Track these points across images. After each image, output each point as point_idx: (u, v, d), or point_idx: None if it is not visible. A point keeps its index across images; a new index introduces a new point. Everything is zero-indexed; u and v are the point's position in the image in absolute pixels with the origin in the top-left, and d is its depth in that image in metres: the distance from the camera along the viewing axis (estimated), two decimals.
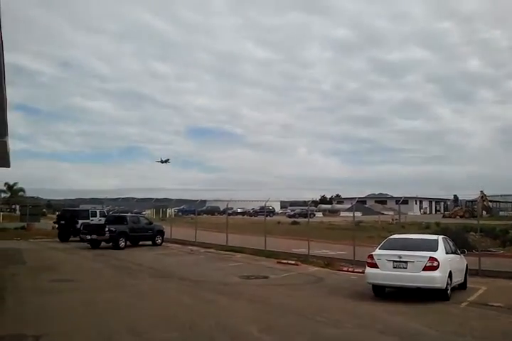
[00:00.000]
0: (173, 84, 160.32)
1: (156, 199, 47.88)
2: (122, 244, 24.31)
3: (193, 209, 50.56)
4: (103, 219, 28.14)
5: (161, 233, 27.39)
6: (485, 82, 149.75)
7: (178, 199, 53.79)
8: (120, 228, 24.60)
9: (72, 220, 29.18)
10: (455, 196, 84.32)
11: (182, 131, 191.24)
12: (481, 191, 63.00)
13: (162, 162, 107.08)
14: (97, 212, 32.47)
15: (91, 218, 30.25)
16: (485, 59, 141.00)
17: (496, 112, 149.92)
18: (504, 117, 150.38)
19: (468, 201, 77.62)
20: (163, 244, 27.07)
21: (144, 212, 52.45)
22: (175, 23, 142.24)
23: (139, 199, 53.88)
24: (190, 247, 25.84)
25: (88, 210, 32.70)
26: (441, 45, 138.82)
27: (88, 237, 24.53)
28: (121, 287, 13.17)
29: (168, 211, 54.82)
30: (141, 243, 26.29)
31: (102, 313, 9.71)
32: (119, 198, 60.26)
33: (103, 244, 24.54)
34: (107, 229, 24.07)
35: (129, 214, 31.52)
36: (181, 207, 68.07)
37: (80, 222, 28.22)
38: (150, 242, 26.56)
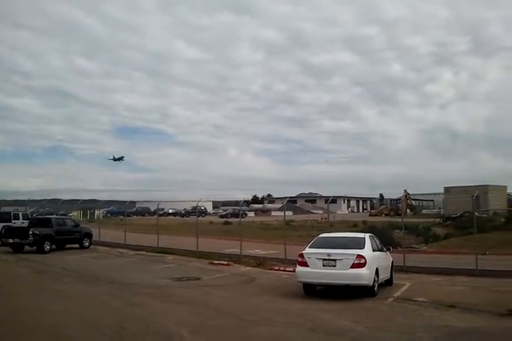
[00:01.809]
0: (101, 82, 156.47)
1: (83, 200, 46.39)
2: (47, 247, 23.27)
3: (122, 211, 49.38)
4: (26, 222, 26.83)
5: (89, 235, 26.51)
6: (407, 86, 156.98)
7: (106, 200, 52.26)
8: (45, 231, 23.53)
9: None
10: (381, 195, 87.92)
11: (110, 130, 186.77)
12: (405, 190, 65.77)
13: (115, 160, 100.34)
14: (20, 214, 30.95)
15: (13, 221, 28.76)
16: (407, 64, 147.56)
17: (417, 115, 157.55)
18: (425, 120, 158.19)
19: (393, 200, 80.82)
20: (91, 246, 26.21)
21: (70, 214, 50.63)
22: (103, 20, 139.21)
23: (65, 200, 51.98)
24: (119, 250, 25.19)
25: (10, 212, 31.11)
26: (366, 49, 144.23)
27: (10, 241, 23.29)
28: (45, 292, 12.56)
29: (96, 212, 53.20)
30: (67, 246, 25.30)
31: (23, 319, 9.17)
32: (44, 200, 57.66)
33: (27, 247, 23.40)
34: (30, 232, 22.97)
35: (54, 216, 30.30)
36: (110, 208, 66.20)
37: (1, 224, 26.73)
38: (77, 245, 25.63)
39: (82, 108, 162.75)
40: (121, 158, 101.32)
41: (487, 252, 19.47)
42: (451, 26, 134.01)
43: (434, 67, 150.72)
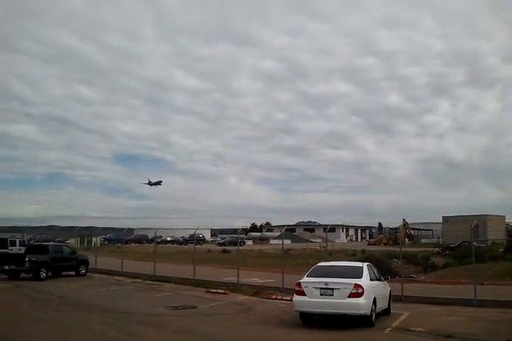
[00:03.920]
0: (100, 109, 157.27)
1: (81, 227, 46.11)
2: (43, 274, 23.09)
3: (120, 238, 49.05)
4: (23, 249, 26.68)
5: (85, 263, 26.33)
6: (404, 116, 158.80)
7: (104, 227, 52.01)
8: (41, 258, 23.40)
9: None
10: (379, 224, 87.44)
11: (109, 158, 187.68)
12: (404, 219, 65.65)
13: (151, 184, 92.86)
14: (17, 240, 30.82)
15: (10, 247, 28.60)
16: (404, 94, 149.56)
17: (415, 144, 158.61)
18: (423, 149, 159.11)
19: (392, 229, 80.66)
20: (88, 274, 26.00)
21: (67, 241, 50.27)
22: (103, 48, 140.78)
23: (62, 227, 51.63)
24: (116, 277, 24.99)
25: (7, 239, 30.95)
26: (364, 79, 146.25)
27: (6, 267, 23.13)
28: (40, 320, 12.44)
29: (94, 240, 52.84)
30: (64, 273, 25.10)
31: None
32: (42, 226, 57.57)
33: (22, 274, 23.22)
34: (27, 259, 22.85)
35: (51, 243, 30.13)
36: (108, 235, 65.77)
37: None
38: (73, 273, 25.43)
39: (81, 135, 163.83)
40: (158, 183, 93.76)
41: (485, 282, 19.36)
42: (447, 57, 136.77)
43: (432, 98, 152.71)
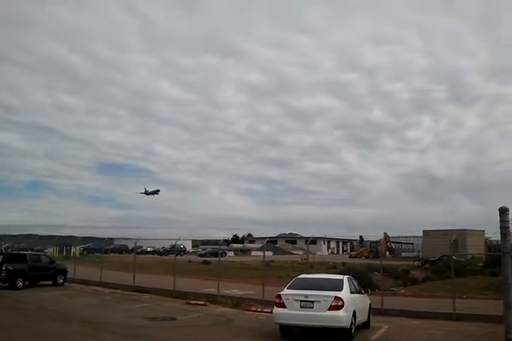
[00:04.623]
0: (84, 118, 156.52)
1: (60, 236, 45.50)
2: (20, 284, 22.66)
3: (99, 248, 48.48)
4: (0, 257, 26.20)
5: (64, 272, 25.90)
6: (387, 131, 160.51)
7: (84, 237, 51.42)
8: (18, 267, 22.96)
9: None
10: (361, 237, 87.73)
11: (91, 167, 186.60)
12: (385, 233, 66.03)
13: (147, 194, 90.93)
14: None
15: None
16: (387, 109, 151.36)
17: (397, 159, 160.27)
18: (405, 164, 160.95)
19: (373, 242, 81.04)
20: (66, 284, 25.55)
21: (46, 250, 49.56)
22: (88, 58, 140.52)
23: (41, 236, 50.95)
24: (94, 287, 24.61)
25: None
26: (348, 94, 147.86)
27: None
28: (16, 330, 12.15)
29: (73, 249, 52.23)
30: (41, 283, 24.65)
31: None
32: (21, 234, 56.56)
33: None
34: (3, 267, 22.43)
35: (29, 252, 29.65)
36: (87, 245, 65.00)
37: None
38: (51, 282, 25.01)
39: (65, 143, 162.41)
40: (155, 192, 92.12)
41: (464, 296, 19.50)
42: (430, 74, 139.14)
43: (414, 113, 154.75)
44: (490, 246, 55.30)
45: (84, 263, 33.86)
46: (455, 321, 15.35)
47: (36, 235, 51.48)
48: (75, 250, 50.97)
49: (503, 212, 8.73)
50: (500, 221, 8.76)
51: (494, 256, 28.47)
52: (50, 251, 52.28)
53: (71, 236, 52.30)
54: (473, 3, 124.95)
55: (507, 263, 8.66)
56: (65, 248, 55.90)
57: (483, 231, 54.31)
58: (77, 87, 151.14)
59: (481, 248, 55.55)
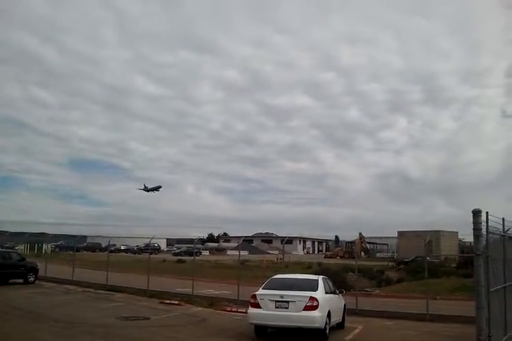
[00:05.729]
0: (57, 113, 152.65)
1: (31, 233, 44.67)
2: None
3: (72, 245, 47.77)
4: None
5: (35, 270, 25.38)
6: (363, 131, 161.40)
7: (55, 234, 50.45)
8: None
9: None
10: (336, 237, 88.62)
11: (63, 163, 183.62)
12: (360, 233, 66.52)
13: (147, 190, 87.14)
14: None
15: None
16: (363, 109, 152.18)
17: (372, 159, 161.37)
18: (380, 164, 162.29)
19: (348, 242, 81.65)
20: (37, 282, 25.05)
21: (16, 247, 48.61)
22: (61, 51, 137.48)
23: (12, 233, 49.94)
24: (66, 286, 24.19)
25: None
26: (325, 93, 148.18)
27: None
28: None
29: (45, 246, 51.34)
30: (11, 281, 24.13)
31: None
32: None
33: None
34: None
35: None
36: (59, 242, 63.94)
37: None
38: (21, 280, 24.49)
39: (36, 138, 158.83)
40: (156, 189, 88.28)
41: (438, 297, 19.72)
42: (406, 75, 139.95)
43: (389, 114, 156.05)
44: (463, 247, 56.16)
45: (56, 261, 33.27)
46: (428, 322, 15.49)
47: (7, 232, 50.50)
48: (47, 247, 50.15)
49: (476, 214, 8.83)
50: (473, 223, 8.85)
51: (467, 257, 28.87)
52: (21, 248, 51.37)
53: (43, 233, 51.25)
54: (449, 6, 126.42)
55: (479, 264, 8.74)
56: (36, 245, 54.97)
57: (457, 232, 55.17)
58: (51, 81, 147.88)
59: (454, 249, 56.35)
